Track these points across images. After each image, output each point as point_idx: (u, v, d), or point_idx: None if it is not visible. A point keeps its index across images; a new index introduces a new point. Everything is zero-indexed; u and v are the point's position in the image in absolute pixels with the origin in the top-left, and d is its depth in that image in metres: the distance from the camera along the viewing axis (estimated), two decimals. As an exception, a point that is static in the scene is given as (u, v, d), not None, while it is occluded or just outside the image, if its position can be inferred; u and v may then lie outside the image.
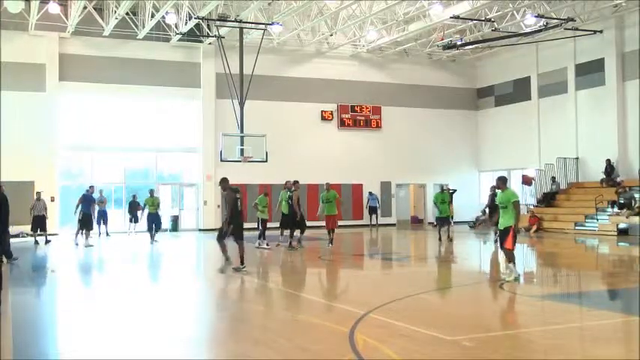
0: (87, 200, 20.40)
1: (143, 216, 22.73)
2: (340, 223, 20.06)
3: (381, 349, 6.75)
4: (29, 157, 25.12)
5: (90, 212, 20.48)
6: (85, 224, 20.23)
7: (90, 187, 21.46)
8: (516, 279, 11.24)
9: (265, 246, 18.44)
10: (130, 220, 24.57)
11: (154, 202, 22.00)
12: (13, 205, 16.38)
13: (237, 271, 12.98)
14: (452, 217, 28.56)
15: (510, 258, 11.41)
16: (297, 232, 18.48)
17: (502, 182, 11.64)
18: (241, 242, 13.24)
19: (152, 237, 21.56)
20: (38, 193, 21.79)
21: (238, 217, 13.17)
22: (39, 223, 21.11)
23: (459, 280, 13.13)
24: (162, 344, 7.43)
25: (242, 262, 13.14)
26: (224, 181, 13.44)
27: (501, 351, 6.67)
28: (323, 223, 18.94)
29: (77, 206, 20.41)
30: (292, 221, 18.29)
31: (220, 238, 13.20)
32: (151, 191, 22.64)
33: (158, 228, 22.03)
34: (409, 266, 16.08)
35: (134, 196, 24.59)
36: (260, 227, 18.89)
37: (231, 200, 13.02)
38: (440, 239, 20.47)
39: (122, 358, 6.77)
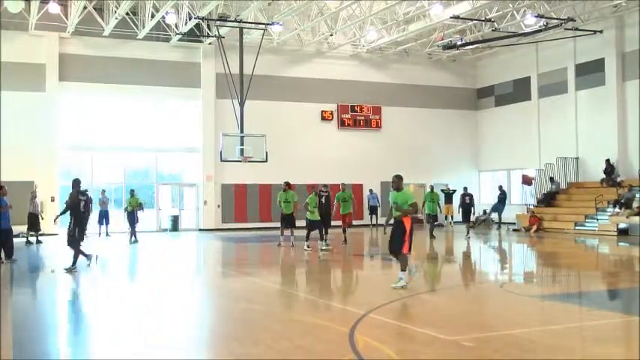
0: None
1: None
2: (340, 222, 20.07)
3: (381, 349, 6.75)
4: (29, 157, 25.11)
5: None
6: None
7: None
8: (403, 287, 10.29)
9: (306, 247, 17.73)
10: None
11: (135, 202, 22.07)
12: (13, 206, 16.45)
13: (69, 272, 13.24)
14: (452, 217, 28.86)
15: (405, 264, 10.44)
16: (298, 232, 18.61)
17: (400, 181, 10.65)
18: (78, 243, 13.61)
19: (132, 235, 21.69)
20: (34, 192, 21.71)
21: (81, 220, 13.43)
22: (35, 222, 21.16)
23: (459, 279, 13.14)
24: (162, 344, 7.43)
25: (74, 264, 13.46)
26: (75, 183, 13.57)
27: (501, 351, 6.67)
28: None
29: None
30: (326, 220, 18.23)
31: (73, 243, 13.45)
32: (132, 191, 22.80)
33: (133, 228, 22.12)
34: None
35: (134, 196, 24.56)
36: (308, 228, 17.98)
37: (74, 201, 13.25)
38: (432, 236, 21.67)
39: (122, 358, 6.77)
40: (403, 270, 10.41)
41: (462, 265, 16.34)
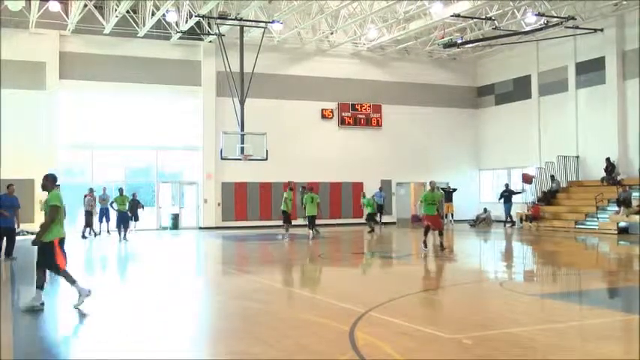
0: None
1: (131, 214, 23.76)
2: (342, 221, 20.10)
3: (381, 347, 6.75)
4: (30, 155, 25.10)
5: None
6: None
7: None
8: (37, 307, 8.86)
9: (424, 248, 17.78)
10: (130, 219, 24.54)
11: (123, 201, 22.46)
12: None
13: None
14: (452, 215, 28.89)
15: (70, 279, 9.06)
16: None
17: (49, 181, 9.03)
18: None
19: (120, 235, 21.95)
20: (92, 194, 23.30)
21: None
22: (89, 219, 22.95)
23: (459, 278, 13.13)
24: (162, 343, 7.43)
25: None
26: None
27: (501, 349, 6.67)
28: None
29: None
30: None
31: None
32: (120, 190, 23.13)
33: (126, 227, 22.36)
34: (409, 264, 16.07)
35: (134, 195, 24.60)
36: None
37: None
38: (373, 231, 24.39)
39: (123, 357, 6.77)
40: (72, 284, 9.12)
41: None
